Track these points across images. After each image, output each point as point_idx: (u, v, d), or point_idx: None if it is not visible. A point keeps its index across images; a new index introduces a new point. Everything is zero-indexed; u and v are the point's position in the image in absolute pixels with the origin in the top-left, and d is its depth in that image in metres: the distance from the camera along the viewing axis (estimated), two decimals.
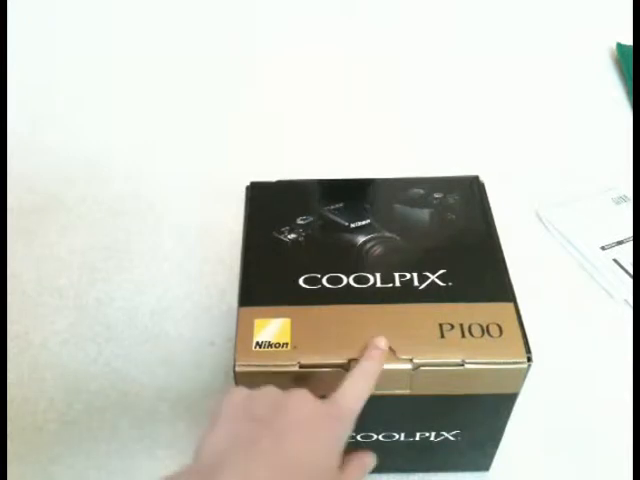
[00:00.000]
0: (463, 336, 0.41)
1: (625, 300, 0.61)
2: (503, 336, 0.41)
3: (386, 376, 0.40)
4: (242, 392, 0.36)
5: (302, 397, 0.36)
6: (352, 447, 0.45)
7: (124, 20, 0.95)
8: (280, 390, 0.37)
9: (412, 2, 0.97)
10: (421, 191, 0.50)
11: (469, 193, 0.50)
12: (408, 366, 0.40)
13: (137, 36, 0.92)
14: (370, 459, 0.39)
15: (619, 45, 0.87)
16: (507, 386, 0.42)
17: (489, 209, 0.49)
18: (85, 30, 0.93)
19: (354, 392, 0.37)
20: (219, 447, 0.33)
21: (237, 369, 0.40)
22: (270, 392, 0.36)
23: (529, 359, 0.40)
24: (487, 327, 0.41)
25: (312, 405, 0.35)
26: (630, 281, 0.61)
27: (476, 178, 0.51)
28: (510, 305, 0.43)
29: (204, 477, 0.32)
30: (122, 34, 0.93)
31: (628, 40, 0.87)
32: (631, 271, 0.62)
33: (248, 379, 0.40)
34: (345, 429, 0.36)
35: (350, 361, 0.40)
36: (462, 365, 0.40)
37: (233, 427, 0.34)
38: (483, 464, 0.49)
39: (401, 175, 0.52)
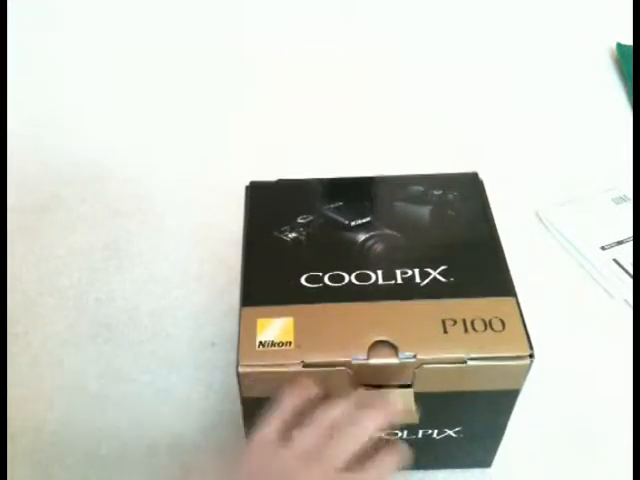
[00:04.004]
0: (466, 331, 0.41)
1: (625, 300, 0.61)
2: (506, 330, 0.41)
3: (389, 373, 0.40)
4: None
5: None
6: None
7: (124, 20, 0.95)
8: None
9: (412, 2, 0.97)
10: (420, 188, 0.50)
11: (468, 190, 0.50)
12: (412, 361, 0.40)
13: (137, 36, 0.92)
14: (395, 458, 0.38)
15: (619, 45, 0.87)
16: (509, 382, 0.42)
17: (488, 205, 0.49)
18: (85, 30, 0.93)
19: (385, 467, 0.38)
20: None
21: (240, 370, 0.40)
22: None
23: (531, 356, 0.40)
24: (490, 322, 0.41)
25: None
26: (630, 281, 0.61)
27: (475, 175, 0.51)
28: (512, 300, 0.43)
29: None
30: (122, 34, 0.93)
31: (628, 40, 0.87)
32: (631, 271, 0.62)
33: (252, 379, 0.40)
34: None
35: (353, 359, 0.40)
36: (465, 362, 0.40)
37: None
38: (485, 460, 0.49)
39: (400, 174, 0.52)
